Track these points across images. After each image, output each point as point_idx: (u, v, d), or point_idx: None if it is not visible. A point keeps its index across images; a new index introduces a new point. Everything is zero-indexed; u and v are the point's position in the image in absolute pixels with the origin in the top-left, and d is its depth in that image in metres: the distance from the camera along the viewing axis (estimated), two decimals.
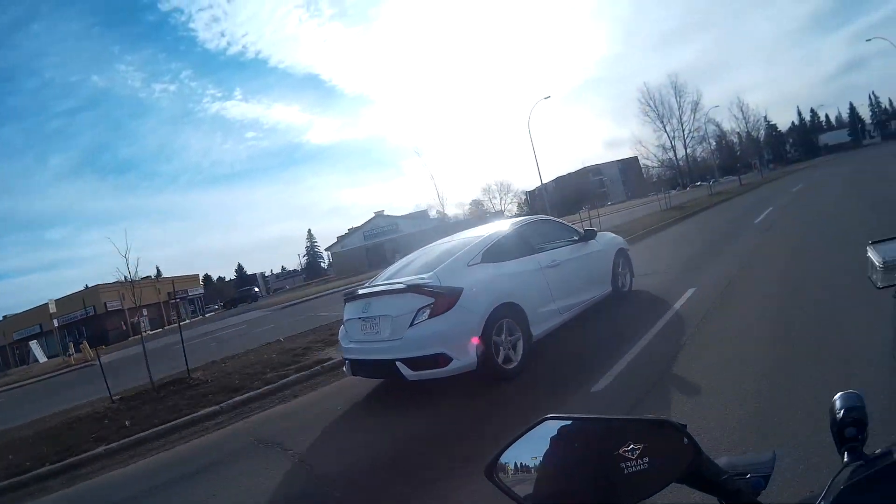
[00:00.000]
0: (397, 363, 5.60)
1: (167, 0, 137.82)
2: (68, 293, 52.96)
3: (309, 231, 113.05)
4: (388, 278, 6.68)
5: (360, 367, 6.38)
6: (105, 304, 50.54)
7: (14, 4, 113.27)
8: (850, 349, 4.17)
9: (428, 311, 5.56)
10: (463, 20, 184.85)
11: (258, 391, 7.56)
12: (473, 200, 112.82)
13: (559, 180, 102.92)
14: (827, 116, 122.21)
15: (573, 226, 9.11)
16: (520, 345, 5.95)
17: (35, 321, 51.26)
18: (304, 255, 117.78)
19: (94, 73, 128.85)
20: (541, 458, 0.82)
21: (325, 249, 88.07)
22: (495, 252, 6.50)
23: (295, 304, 33.60)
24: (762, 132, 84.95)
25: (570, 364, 6.04)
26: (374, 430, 5.45)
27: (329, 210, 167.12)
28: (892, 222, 8.82)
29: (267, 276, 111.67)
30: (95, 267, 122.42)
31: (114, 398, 9.14)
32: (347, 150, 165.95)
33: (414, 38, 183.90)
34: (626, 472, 0.75)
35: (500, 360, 5.74)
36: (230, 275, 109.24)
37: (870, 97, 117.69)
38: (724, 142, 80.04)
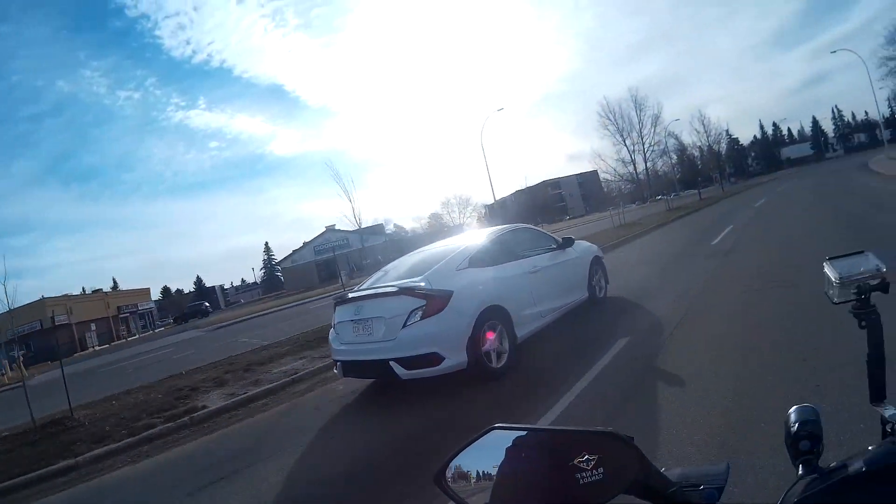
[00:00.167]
0: (391, 363, 5.84)
1: (134, 6, 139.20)
2: (18, 305, 49.87)
3: (266, 244, 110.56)
4: (374, 283, 6.96)
5: (352, 368, 6.59)
6: (52, 317, 48.76)
7: None
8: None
9: (420, 313, 5.82)
10: (426, 34, 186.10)
11: (119, 444, 6.94)
12: (432, 214, 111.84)
13: (518, 194, 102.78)
14: (789, 130, 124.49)
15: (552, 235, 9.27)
16: (506, 345, 6.23)
17: None
18: (261, 269, 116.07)
19: (60, 78, 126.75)
20: (495, 467, 0.82)
21: (276, 264, 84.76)
22: (481, 258, 6.82)
23: (235, 323, 32.38)
24: (724, 146, 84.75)
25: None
26: None
27: (291, 222, 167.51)
28: (867, 245, 6.20)
29: (226, 289, 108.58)
30: (56, 277, 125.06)
31: None
32: (310, 161, 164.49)
33: (377, 51, 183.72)
34: (581, 482, 0.76)
35: (487, 359, 6.01)
36: (190, 287, 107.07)
37: (833, 110, 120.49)
38: (685, 155, 79.58)
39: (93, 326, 54.20)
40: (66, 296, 57.08)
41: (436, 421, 5.23)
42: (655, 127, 71.44)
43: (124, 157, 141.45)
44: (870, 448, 0.80)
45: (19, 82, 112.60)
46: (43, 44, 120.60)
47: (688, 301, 7.80)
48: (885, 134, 52.13)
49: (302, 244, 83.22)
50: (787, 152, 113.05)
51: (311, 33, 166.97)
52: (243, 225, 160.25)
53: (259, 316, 33.21)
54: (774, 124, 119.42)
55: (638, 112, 72.94)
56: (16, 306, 11.39)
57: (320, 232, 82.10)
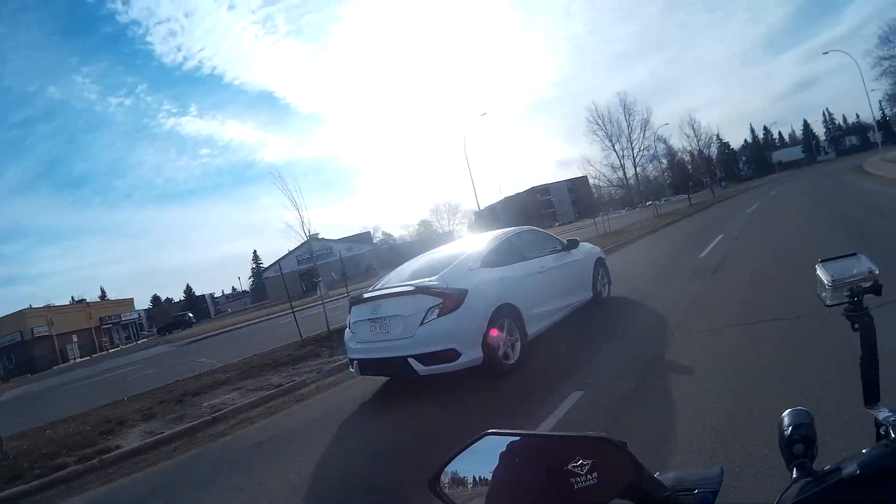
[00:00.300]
0: (409, 359, 5.99)
1: (125, 12, 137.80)
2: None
3: (255, 252, 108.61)
4: (387, 284, 7.11)
5: (369, 366, 6.74)
6: (32, 329, 49.29)
7: None
8: None
9: (437, 311, 6.01)
10: (417, 41, 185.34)
11: (28, 486, 6.51)
12: (422, 221, 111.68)
13: (508, 200, 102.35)
14: (780, 134, 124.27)
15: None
16: (517, 343, 6.47)
17: None
18: (249, 277, 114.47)
19: (52, 83, 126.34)
20: (490, 472, 0.84)
21: (249, 278, 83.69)
22: (492, 258, 7.06)
23: (207, 337, 31.58)
24: (714, 150, 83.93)
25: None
26: None
27: (282, 229, 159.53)
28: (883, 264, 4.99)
29: (216, 297, 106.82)
30: (48, 285, 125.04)
31: None
32: (300, 168, 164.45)
33: (368, 58, 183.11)
34: (575, 486, 0.77)
35: (500, 355, 6.23)
36: (180, 295, 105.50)
37: (824, 113, 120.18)
38: (675, 160, 78.85)
39: (74, 338, 53.51)
40: (47, 307, 56.84)
41: None
42: (645, 131, 70.49)
43: (115, 163, 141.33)
44: (864, 451, 0.81)
45: (10, 87, 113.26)
46: (34, 49, 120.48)
47: (653, 351, 6.08)
48: (879, 136, 50.90)
49: (287, 252, 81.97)
50: (778, 156, 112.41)
51: (302, 40, 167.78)
52: (234, 232, 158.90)
53: (232, 330, 32.21)
54: (765, 128, 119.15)
55: (627, 117, 72.03)
56: None
57: (303, 240, 79.34)
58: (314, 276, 73.99)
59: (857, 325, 1.04)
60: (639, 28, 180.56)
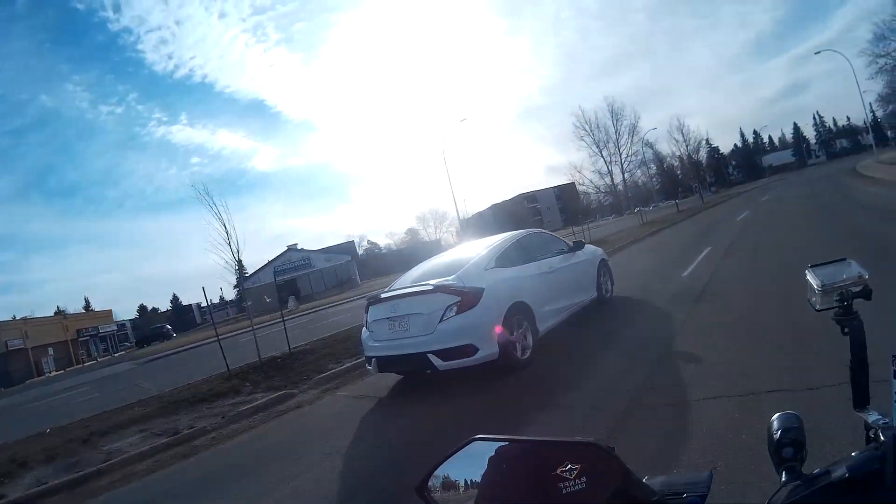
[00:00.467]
0: (429, 355, 6.24)
1: (117, 20, 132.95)
2: None
3: (239, 262, 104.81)
4: (403, 284, 7.31)
5: (388, 363, 7.00)
6: (6, 342, 48.37)
7: None
8: None
9: (455, 308, 6.27)
10: (407, 49, 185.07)
11: None
12: (409, 229, 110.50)
13: (495, 207, 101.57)
14: (770, 138, 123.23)
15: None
16: (529, 338, 6.73)
17: None
18: (234, 287, 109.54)
19: (43, 91, 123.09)
20: (478, 477, 0.85)
21: (234, 287, 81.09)
22: (505, 258, 7.34)
23: (167, 355, 30.08)
24: (703, 154, 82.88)
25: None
26: None
27: (272, 238, 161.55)
28: None
29: (203, 307, 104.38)
30: (39, 294, 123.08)
31: None
32: (291, 177, 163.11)
33: (359, 65, 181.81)
34: (564, 491, 0.78)
35: (514, 351, 6.46)
36: (167, 305, 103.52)
37: (814, 117, 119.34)
38: (664, 165, 77.84)
39: (50, 351, 52.52)
40: (23, 319, 56.20)
41: None
42: (633, 137, 69.35)
43: (107, 172, 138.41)
44: (853, 454, 0.82)
45: (2, 96, 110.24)
46: (26, 56, 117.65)
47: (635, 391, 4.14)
48: (871, 138, 49.17)
49: (266, 262, 79.78)
50: (768, 160, 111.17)
51: (293, 48, 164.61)
52: (224, 241, 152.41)
53: (196, 347, 30.94)
54: (755, 132, 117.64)
55: (615, 122, 70.96)
56: None
57: (282, 251, 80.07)
58: (291, 287, 73.30)
59: (846, 330, 1.04)
60: (628, 34, 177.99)
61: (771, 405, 3.63)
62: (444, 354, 6.20)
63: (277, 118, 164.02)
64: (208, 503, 5.22)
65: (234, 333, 33.05)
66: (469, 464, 0.85)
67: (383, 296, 7.07)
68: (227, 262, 13.11)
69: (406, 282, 7.45)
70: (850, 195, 20.39)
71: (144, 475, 6.60)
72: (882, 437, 0.83)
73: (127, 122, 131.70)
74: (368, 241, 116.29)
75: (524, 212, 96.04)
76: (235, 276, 13.72)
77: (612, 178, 69.58)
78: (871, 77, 50.53)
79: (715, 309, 7.51)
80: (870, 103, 51.12)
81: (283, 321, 13.58)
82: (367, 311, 7.33)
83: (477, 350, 6.14)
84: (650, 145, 64.78)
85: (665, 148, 70.85)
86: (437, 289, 6.48)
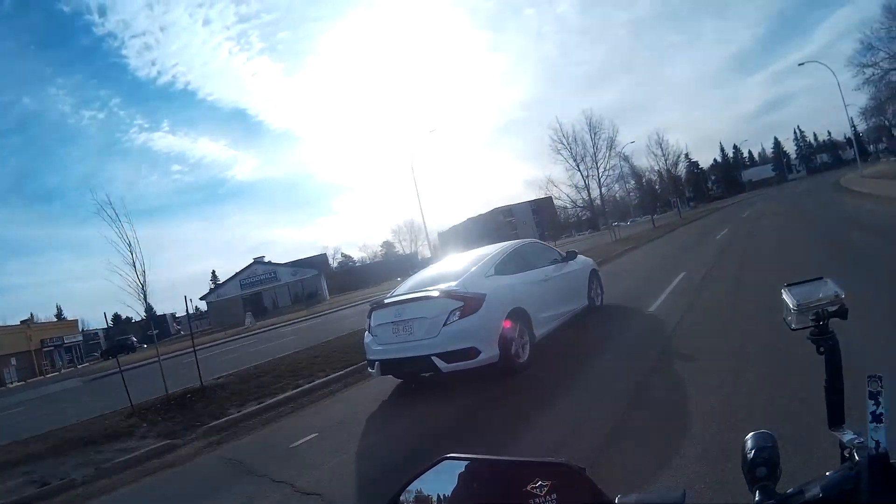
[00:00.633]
0: (433, 357, 6.44)
1: (102, 24, 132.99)
2: None
3: (213, 272, 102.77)
4: (406, 290, 7.60)
5: (391, 366, 7.20)
6: None
7: None
8: None
9: (459, 313, 6.49)
10: (390, 61, 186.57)
11: None
12: (384, 242, 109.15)
13: (470, 221, 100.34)
14: (750, 152, 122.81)
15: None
16: (526, 344, 6.96)
17: None
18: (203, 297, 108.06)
19: (26, 94, 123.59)
20: (448, 495, 0.87)
21: (201, 298, 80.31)
22: (504, 266, 7.63)
23: (113, 374, 26.56)
24: (683, 168, 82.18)
25: None
26: None
27: (252, 248, 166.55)
28: None
29: (178, 317, 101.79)
30: (14, 301, 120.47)
31: None
32: (271, 187, 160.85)
33: (341, 77, 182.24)
34: None
35: (513, 354, 6.68)
36: (141, 314, 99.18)
37: (795, 131, 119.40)
38: (643, 180, 76.74)
39: (13, 361, 51.86)
40: None
41: None
42: (611, 151, 67.79)
43: (87, 178, 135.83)
44: (827, 473, 0.84)
45: None
46: (9, 58, 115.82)
47: None
48: (856, 152, 47.94)
49: (233, 275, 79.14)
50: (748, 175, 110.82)
51: (275, 57, 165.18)
52: (204, 250, 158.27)
53: (151, 363, 27.39)
54: (735, 147, 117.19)
55: (592, 136, 69.25)
56: None
57: (248, 264, 78.14)
58: (256, 301, 71.19)
59: (822, 349, 1.04)
60: (609, 50, 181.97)
61: None
62: (447, 357, 6.40)
63: (259, 127, 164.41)
64: None
65: (183, 352, 30.78)
66: (440, 481, 0.86)
67: (387, 301, 7.35)
68: (132, 283, 11.15)
69: (407, 288, 7.78)
70: (841, 212, 18.54)
71: None
72: (857, 457, 0.83)
73: (109, 128, 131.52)
74: (342, 253, 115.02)
75: (500, 226, 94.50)
76: (140, 301, 11.50)
77: (588, 193, 67.77)
78: (857, 88, 49.47)
79: (688, 364, 5.51)
80: (851, 118, 50.09)
81: (194, 350, 11.77)
82: (370, 317, 7.49)
83: (479, 353, 6.36)
84: (626, 159, 63.17)
85: (644, 162, 69.87)
86: (442, 294, 6.71)
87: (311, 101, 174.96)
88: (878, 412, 0.86)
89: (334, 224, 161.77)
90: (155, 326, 74.28)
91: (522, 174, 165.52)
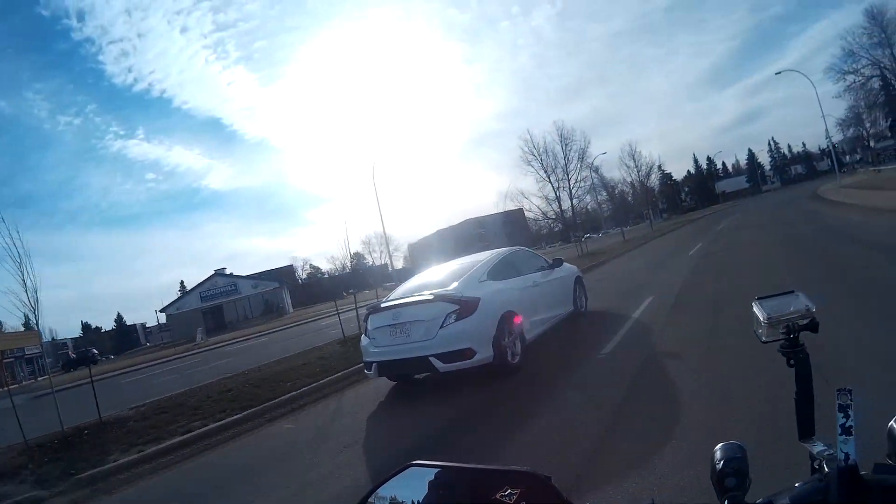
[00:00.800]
0: (430, 358, 6.64)
1: (80, 29, 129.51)
2: None
3: (182, 283, 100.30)
4: (401, 295, 7.78)
5: (388, 368, 7.35)
6: None
7: None
8: None
9: (455, 316, 6.71)
10: (363, 73, 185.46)
11: None
12: (355, 253, 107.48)
13: (441, 233, 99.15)
14: (724, 164, 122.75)
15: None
16: (518, 345, 7.16)
17: None
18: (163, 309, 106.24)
19: (2, 98, 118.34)
20: (417, 501, 0.87)
21: (160, 310, 78.75)
22: (495, 272, 7.87)
23: (68, 388, 24.34)
24: (655, 180, 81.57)
25: None
26: None
27: (225, 258, 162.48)
28: None
29: (149, 328, 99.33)
30: None
31: None
32: (245, 197, 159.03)
33: (316, 87, 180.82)
34: None
35: (507, 356, 6.90)
36: (111, 324, 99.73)
37: (769, 143, 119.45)
38: (615, 191, 75.77)
39: None
40: None
41: None
42: (582, 162, 66.68)
43: (62, 185, 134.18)
44: (796, 485, 0.85)
45: None
46: None
47: None
48: (835, 162, 47.01)
49: (193, 287, 77.56)
50: (722, 186, 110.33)
51: (251, 67, 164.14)
52: (176, 260, 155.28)
53: (104, 378, 26.59)
54: (709, 158, 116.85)
55: (563, 147, 68.17)
56: None
57: (208, 275, 75.84)
58: (217, 315, 68.92)
59: (792, 362, 1.05)
60: (585, 63, 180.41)
61: None
62: (445, 358, 6.58)
63: (234, 137, 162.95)
64: None
65: (138, 368, 30.48)
66: (408, 487, 0.87)
67: (384, 305, 7.51)
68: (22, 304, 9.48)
69: (403, 293, 7.92)
70: (827, 224, 16.71)
71: None
72: (826, 469, 0.84)
73: (84, 134, 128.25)
74: (311, 265, 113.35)
75: (471, 237, 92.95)
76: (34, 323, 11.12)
77: (559, 204, 66.59)
78: (838, 95, 48.81)
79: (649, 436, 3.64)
80: (826, 129, 49.26)
81: (91, 381, 10.70)
82: (366, 320, 7.76)
83: (475, 353, 6.54)
84: (595, 170, 62.10)
85: (617, 174, 68.95)
86: (438, 297, 6.92)
87: (287, 111, 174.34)
88: (847, 425, 0.86)
89: (308, 235, 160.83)
90: (124, 336, 72.37)
91: (497, 186, 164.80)
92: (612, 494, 3.25)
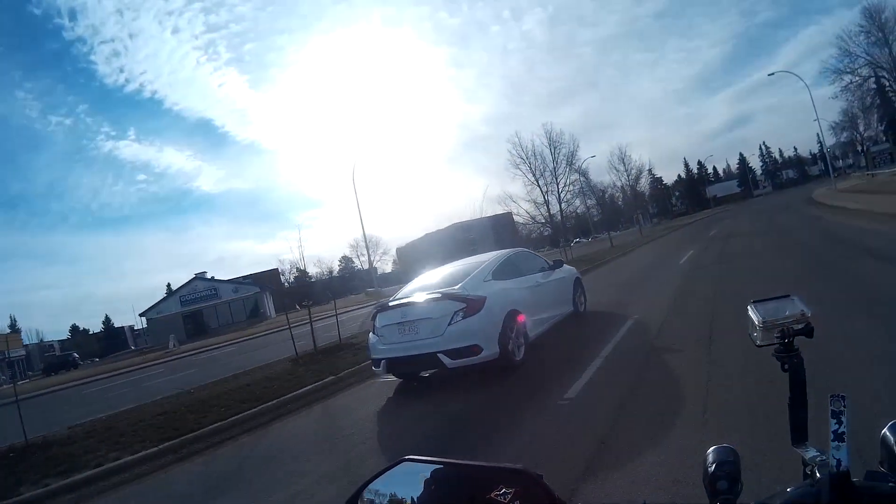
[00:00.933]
0: (439, 354, 6.84)
1: (72, 28, 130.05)
2: None
3: (168, 285, 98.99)
4: (408, 294, 7.95)
5: (397, 364, 7.55)
6: None
7: None
8: None
9: (462, 314, 6.90)
10: (354, 76, 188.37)
11: None
12: (343, 257, 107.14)
13: (428, 237, 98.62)
14: (715, 168, 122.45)
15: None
16: (522, 343, 7.39)
17: None
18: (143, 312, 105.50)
19: None
20: (410, 497, 0.87)
21: (140, 314, 76.79)
22: (499, 272, 8.07)
23: (35, 396, 25.80)
24: (646, 184, 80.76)
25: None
26: None
27: (214, 260, 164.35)
28: None
29: (136, 331, 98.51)
30: None
31: None
32: (236, 199, 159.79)
33: (306, 89, 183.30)
34: None
35: (510, 352, 7.09)
36: (99, 326, 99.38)
37: (760, 147, 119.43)
38: (605, 195, 74.86)
39: None
40: None
41: None
42: (571, 166, 65.51)
43: (52, 185, 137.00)
44: (788, 490, 0.85)
45: None
46: None
47: None
48: (830, 166, 45.84)
49: (173, 291, 76.79)
50: (713, 190, 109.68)
51: (242, 69, 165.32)
52: (167, 262, 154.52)
53: (79, 385, 27.71)
54: (700, 163, 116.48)
55: (552, 150, 67.09)
56: None
57: (189, 279, 74.40)
58: (197, 319, 67.44)
59: (786, 366, 1.05)
60: (575, 67, 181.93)
61: None
62: (453, 354, 6.76)
63: (224, 139, 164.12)
64: None
65: (112, 375, 29.14)
66: (401, 482, 0.87)
67: (392, 303, 7.65)
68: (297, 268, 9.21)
69: (410, 292, 8.01)
70: (832, 231, 15.16)
71: None
72: (818, 474, 0.84)
73: (75, 135, 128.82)
74: (298, 268, 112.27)
75: (458, 242, 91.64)
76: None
77: (548, 209, 65.42)
78: (834, 96, 47.63)
79: None
80: (819, 132, 48.03)
81: (17, 399, 10.19)
82: (374, 319, 7.85)
83: (482, 350, 6.72)
84: (583, 173, 61.18)
85: (607, 178, 67.94)
86: (446, 296, 7.11)
87: (277, 113, 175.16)
88: (840, 431, 0.86)
89: (298, 238, 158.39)
90: (112, 339, 71.89)
91: (487, 190, 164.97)
92: (605, 494, 3.28)
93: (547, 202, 66.41)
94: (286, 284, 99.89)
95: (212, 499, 5.32)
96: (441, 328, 6.90)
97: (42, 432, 9.80)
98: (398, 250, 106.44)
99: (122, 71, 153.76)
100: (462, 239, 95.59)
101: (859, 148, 66.63)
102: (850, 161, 75.34)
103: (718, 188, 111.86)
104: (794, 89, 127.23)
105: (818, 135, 51.70)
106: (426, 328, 7.06)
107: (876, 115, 49.55)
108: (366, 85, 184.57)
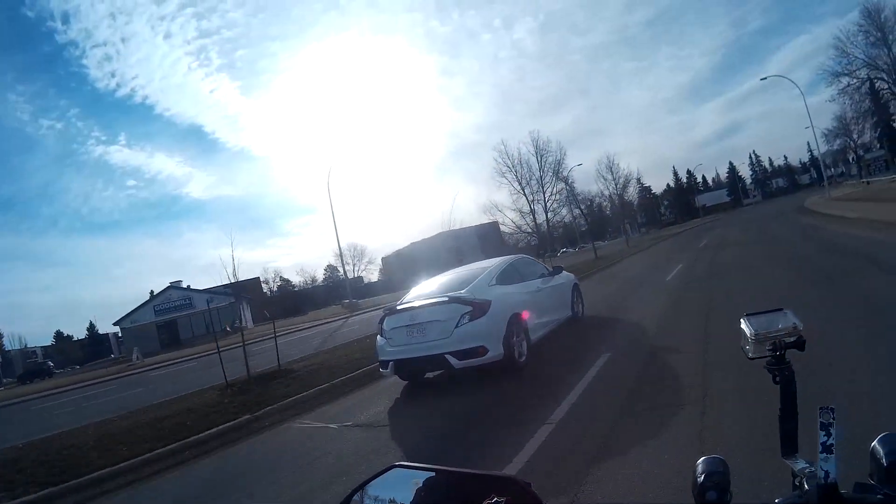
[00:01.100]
0: (447, 356, 7.05)
1: (65, 31, 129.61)
2: None
3: (151, 292, 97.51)
4: (415, 298, 8.10)
5: (405, 365, 7.73)
6: None
7: None
8: None
9: (468, 317, 7.13)
10: (344, 83, 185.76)
11: None
12: (329, 265, 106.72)
13: (414, 245, 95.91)
14: (704, 177, 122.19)
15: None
16: (524, 345, 7.57)
17: None
18: None
19: None
20: (400, 502, 0.89)
21: (114, 323, 76.03)
22: (503, 277, 8.33)
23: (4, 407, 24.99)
24: (634, 192, 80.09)
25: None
26: None
27: (204, 266, 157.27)
28: None
29: (121, 337, 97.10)
30: None
31: None
32: (226, 206, 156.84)
33: (298, 96, 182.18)
34: None
35: (515, 354, 7.28)
36: (83, 332, 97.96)
37: (750, 156, 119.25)
38: (592, 204, 73.99)
39: None
40: None
41: None
42: (557, 174, 64.44)
43: (42, 189, 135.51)
44: (776, 501, 0.86)
45: None
46: None
47: None
48: (816, 174, 44.79)
49: (147, 300, 74.42)
50: (702, 199, 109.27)
51: (233, 75, 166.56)
52: (155, 268, 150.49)
53: (45, 396, 26.60)
54: (689, 172, 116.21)
55: (539, 158, 66.14)
56: None
57: (163, 288, 73.40)
58: (171, 329, 65.99)
59: (777, 379, 1.06)
60: (565, 75, 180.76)
61: None
62: (460, 355, 6.96)
63: (215, 145, 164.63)
64: None
65: (63, 390, 27.43)
66: (390, 489, 0.88)
67: (399, 307, 7.82)
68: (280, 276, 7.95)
69: (416, 296, 8.18)
70: (832, 241, 13.90)
71: None
72: (806, 486, 0.85)
73: (66, 139, 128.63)
74: (281, 277, 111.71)
75: (444, 250, 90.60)
76: None
77: (534, 218, 64.45)
78: (832, 99, 46.63)
79: None
80: (815, 138, 47.15)
81: None
82: (382, 322, 8.03)
83: (487, 351, 6.92)
84: (568, 182, 60.32)
85: (595, 187, 66.93)
86: (453, 300, 7.30)
87: (268, 120, 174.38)
88: (828, 443, 0.87)
89: (287, 245, 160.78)
90: (97, 345, 70.91)
91: (475, 198, 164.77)
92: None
93: (533, 211, 65.36)
94: (268, 293, 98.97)
95: None
96: (448, 330, 7.12)
97: None
98: (384, 259, 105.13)
99: (113, 75, 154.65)
100: (448, 248, 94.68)
101: (851, 156, 66.14)
102: (842, 169, 75.01)
103: (707, 197, 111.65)
104: (785, 98, 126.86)
105: (809, 143, 50.97)
106: (434, 330, 7.27)
107: (871, 122, 48.78)
108: (356, 93, 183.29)
